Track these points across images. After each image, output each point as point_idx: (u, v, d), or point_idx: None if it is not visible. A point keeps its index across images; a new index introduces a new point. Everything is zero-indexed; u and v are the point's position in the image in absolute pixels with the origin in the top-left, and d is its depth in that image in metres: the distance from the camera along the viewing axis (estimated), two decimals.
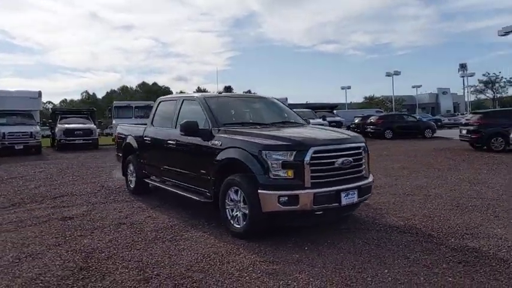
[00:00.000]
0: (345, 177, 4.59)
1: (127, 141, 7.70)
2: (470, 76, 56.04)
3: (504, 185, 7.76)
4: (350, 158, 4.63)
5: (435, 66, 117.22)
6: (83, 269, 3.78)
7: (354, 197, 4.59)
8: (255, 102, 6.47)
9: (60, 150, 18.73)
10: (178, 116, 6.09)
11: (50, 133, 22.62)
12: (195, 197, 5.45)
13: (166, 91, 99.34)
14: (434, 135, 23.86)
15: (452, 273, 3.55)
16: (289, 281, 3.44)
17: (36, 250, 4.37)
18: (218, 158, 4.94)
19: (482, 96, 69.19)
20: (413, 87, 67.38)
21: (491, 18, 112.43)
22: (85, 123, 20.35)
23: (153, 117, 6.91)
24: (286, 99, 25.43)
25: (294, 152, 4.30)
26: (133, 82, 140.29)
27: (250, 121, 5.74)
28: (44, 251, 4.33)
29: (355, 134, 5.25)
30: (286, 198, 4.23)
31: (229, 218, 4.84)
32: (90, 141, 19.58)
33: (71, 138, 18.88)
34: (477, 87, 65.86)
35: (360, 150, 4.84)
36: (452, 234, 4.69)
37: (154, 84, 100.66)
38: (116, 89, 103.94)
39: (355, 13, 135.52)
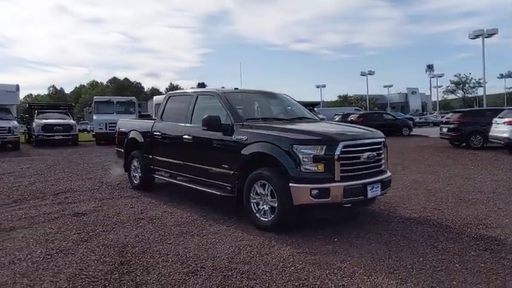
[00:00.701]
0: (370, 171, 4.76)
1: (130, 136, 7.59)
2: (440, 77, 58.40)
3: (495, 180, 8.21)
4: (374, 153, 4.80)
5: (404, 67, 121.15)
6: (124, 263, 3.74)
7: (377, 190, 4.77)
8: (270, 98, 6.55)
9: (38, 146, 18.07)
10: (194, 111, 6.08)
11: (26, 128, 21.75)
12: (214, 192, 5.46)
13: (138, 87, 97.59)
14: (411, 133, 24.78)
15: (482, 260, 3.78)
16: (335, 270, 3.55)
17: (64, 246, 4.27)
18: (243, 152, 4.98)
19: (449, 96, 73.17)
20: (385, 86, 69.55)
21: (457, 21, 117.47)
22: (64, 119, 19.72)
23: (163, 112, 6.84)
24: None
25: (325, 147, 4.42)
26: (101, 77, 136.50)
27: (270, 116, 5.81)
28: (73, 247, 4.24)
29: (375, 129, 5.42)
30: (318, 191, 4.34)
31: (255, 211, 4.90)
32: (70, 137, 19.01)
33: (50, 134, 18.25)
34: (448, 88, 69.85)
35: (381, 145, 5.02)
36: (467, 225, 4.96)
37: (126, 79, 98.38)
38: (84, 84, 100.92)
39: (326, 13, 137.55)
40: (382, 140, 5.11)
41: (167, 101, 6.89)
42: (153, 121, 7.18)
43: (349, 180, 4.48)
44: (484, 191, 7.07)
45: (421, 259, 3.82)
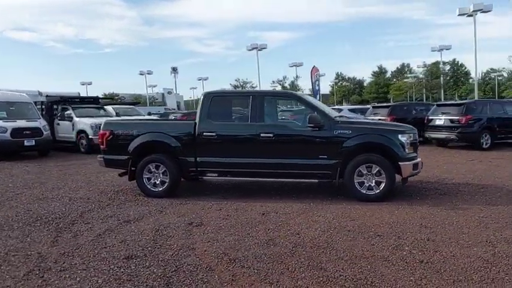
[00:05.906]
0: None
1: (144, 140, 6.88)
2: (205, 80, 65.66)
3: None
4: None
5: (156, 66, 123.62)
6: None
7: None
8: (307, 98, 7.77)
9: None
10: (264, 111, 6.60)
11: None
12: (310, 180, 6.45)
13: None
14: None
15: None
16: (480, 215, 5.39)
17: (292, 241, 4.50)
18: (347, 144, 6.25)
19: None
20: (149, 86, 72.10)
21: (183, 29, 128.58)
22: None
23: (208, 112, 6.74)
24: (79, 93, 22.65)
25: (413, 134, 6.45)
26: None
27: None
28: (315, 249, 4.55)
29: None
30: (415, 165, 6.34)
31: (359, 188, 6.30)
32: None
33: None
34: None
35: None
36: (467, 182, 7.74)
37: None
38: None
39: (53, 2, 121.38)
40: None
41: (210, 101, 6.80)
42: (190, 121, 6.88)
43: (419, 157, 6.66)
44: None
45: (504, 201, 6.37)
